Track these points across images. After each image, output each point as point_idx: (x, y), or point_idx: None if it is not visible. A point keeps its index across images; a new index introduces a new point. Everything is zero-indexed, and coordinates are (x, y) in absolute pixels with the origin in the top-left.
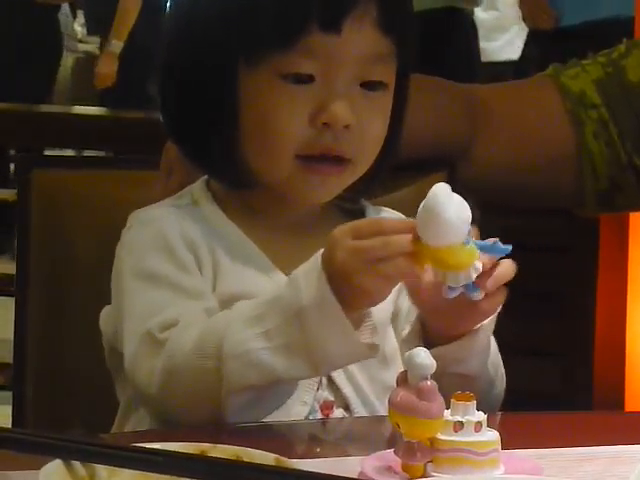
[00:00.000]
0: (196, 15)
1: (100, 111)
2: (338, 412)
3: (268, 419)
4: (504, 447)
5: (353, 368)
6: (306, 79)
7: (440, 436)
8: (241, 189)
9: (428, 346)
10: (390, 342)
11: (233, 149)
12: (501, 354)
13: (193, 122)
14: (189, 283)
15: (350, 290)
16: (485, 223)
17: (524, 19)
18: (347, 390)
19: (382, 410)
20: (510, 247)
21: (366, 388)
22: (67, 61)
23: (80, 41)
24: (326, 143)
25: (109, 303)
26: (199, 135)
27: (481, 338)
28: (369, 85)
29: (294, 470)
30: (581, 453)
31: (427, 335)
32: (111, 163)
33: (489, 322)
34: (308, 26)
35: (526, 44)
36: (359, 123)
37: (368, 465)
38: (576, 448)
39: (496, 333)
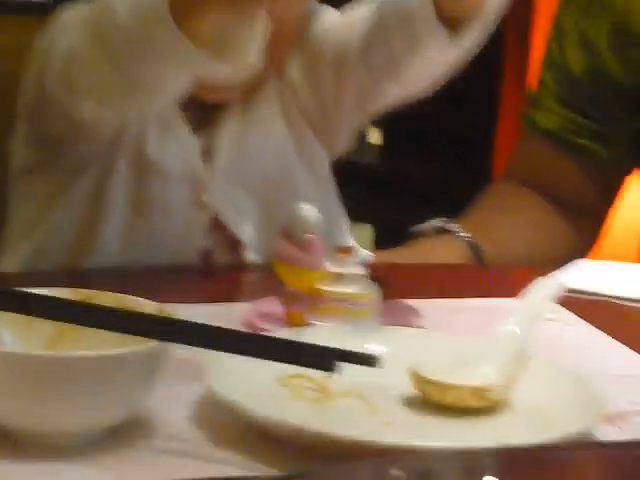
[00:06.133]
0: None
1: None
2: (219, 259)
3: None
4: (387, 297)
5: (241, 203)
6: None
7: (322, 286)
8: None
9: None
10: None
11: None
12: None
13: None
14: None
15: None
16: None
17: None
18: (238, 230)
19: None
20: None
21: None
22: None
23: None
24: None
25: None
26: None
27: None
28: None
29: (175, 320)
30: (458, 305)
31: None
32: None
33: None
34: None
35: None
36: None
37: (253, 311)
38: (454, 299)
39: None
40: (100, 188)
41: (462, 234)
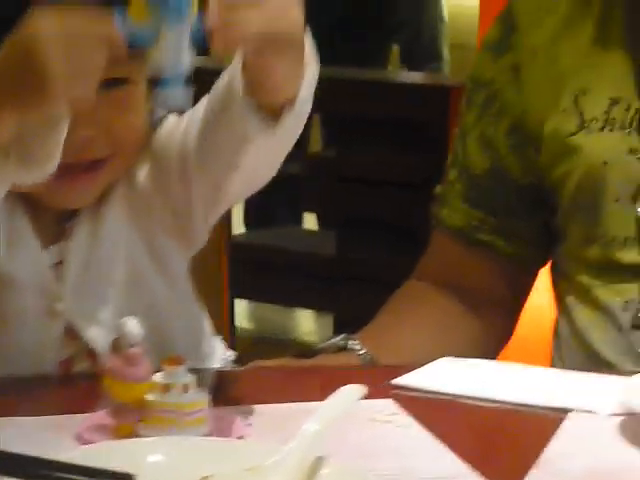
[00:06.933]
0: None
1: None
2: (80, 367)
3: None
4: (221, 403)
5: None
6: None
7: (149, 397)
8: None
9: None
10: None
11: None
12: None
13: None
14: None
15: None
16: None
17: None
18: (92, 339)
19: None
20: None
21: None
22: None
23: None
24: (72, 151)
25: None
26: None
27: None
28: (109, 83)
29: None
30: (295, 409)
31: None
32: None
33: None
34: None
35: None
36: (106, 122)
37: (87, 423)
38: (294, 403)
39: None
40: None
41: (360, 351)
